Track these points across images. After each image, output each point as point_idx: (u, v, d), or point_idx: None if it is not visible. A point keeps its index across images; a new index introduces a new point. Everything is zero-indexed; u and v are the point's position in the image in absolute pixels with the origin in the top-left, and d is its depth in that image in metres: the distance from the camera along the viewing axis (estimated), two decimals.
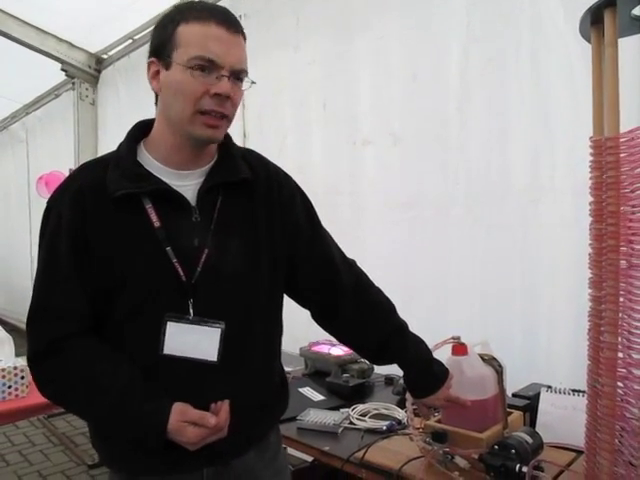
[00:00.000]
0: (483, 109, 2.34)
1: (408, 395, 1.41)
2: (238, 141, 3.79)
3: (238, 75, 1.08)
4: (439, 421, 1.51)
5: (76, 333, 1.09)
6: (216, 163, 1.18)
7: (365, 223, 2.86)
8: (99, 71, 4.96)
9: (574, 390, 1.64)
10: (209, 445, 1.06)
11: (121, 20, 4.22)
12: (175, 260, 1.08)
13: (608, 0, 1.10)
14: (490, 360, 1.47)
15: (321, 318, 1.35)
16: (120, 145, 1.18)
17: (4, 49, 4.61)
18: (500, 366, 1.47)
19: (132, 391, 1.06)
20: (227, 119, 1.11)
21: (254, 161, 1.24)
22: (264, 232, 1.19)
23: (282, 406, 1.32)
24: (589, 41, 1.25)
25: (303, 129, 3.17)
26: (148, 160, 1.14)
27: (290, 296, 1.33)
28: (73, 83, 5.04)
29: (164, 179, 1.12)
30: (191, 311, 1.09)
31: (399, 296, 2.59)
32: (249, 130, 3.48)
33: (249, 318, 1.16)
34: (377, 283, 2.68)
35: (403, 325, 1.36)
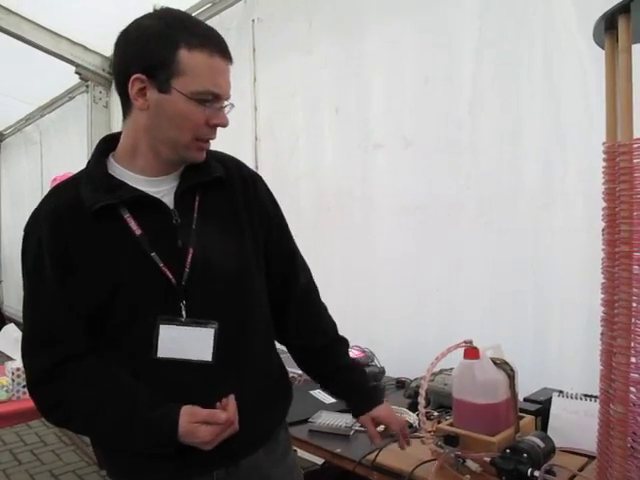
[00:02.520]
0: (495, 113, 2.35)
1: (420, 399, 1.41)
2: (249, 144, 3.82)
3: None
4: (451, 424, 1.51)
5: (73, 355, 1.08)
6: (188, 165, 1.18)
7: (376, 226, 2.86)
8: (112, 74, 4.99)
9: (586, 395, 1.64)
10: (218, 447, 1.07)
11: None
12: (162, 264, 1.09)
13: (622, 6, 1.10)
14: (502, 364, 1.47)
15: (274, 307, 1.32)
16: (88, 162, 1.18)
17: (19, 52, 4.66)
18: (512, 370, 1.47)
19: (138, 402, 1.07)
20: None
21: (225, 160, 1.26)
22: (247, 226, 1.21)
23: (286, 399, 1.32)
24: (602, 47, 1.25)
25: (315, 132, 3.18)
26: (119, 171, 1.15)
27: None
28: (87, 86, 5.08)
29: (139, 187, 1.12)
30: (183, 313, 1.10)
31: (409, 298, 2.64)
32: (260, 133, 3.50)
33: (243, 313, 1.17)
34: (388, 286, 2.71)
35: (345, 339, 1.39)
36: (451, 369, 1.94)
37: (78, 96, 5.45)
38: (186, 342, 1.09)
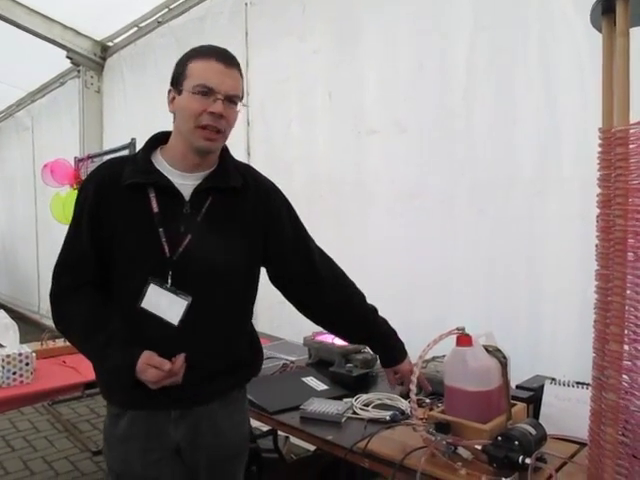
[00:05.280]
0: (490, 99, 2.33)
1: (412, 386, 1.40)
2: (241, 129, 3.80)
3: (232, 99, 1.36)
4: (442, 412, 1.50)
5: (86, 283, 1.40)
6: (213, 171, 1.45)
7: (369, 213, 2.85)
8: (104, 59, 4.94)
9: (578, 382, 1.64)
10: (174, 391, 1.34)
11: (127, 7, 4.20)
12: (164, 239, 1.37)
13: None
14: (494, 351, 1.46)
15: (307, 308, 1.62)
16: (141, 148, 1.49)
17: (9, 36, 4.60)
18: (504, 358, 1.46)
19: (116, 337, 1.35)
20: (222, 134, 1.39)
21: (248, 175, 1.51)
22: (245, 229, 1.45)
23: (251, 370, 1.56)
24: (600, 30, 1.23)
25: (308, 118, 3.16)
26: (159, 161, 1.44)
27: (280, 289, 1.60)
28: (78, 71, 5.03)
29: (168, 177, 1.41)
30: (169, 281, 1.37)
31: (403, 286, 2.64)
32: (252, 118, 3.47)
33: (216, 294, 1.41)
34: (380, 272, 2.69)
35: (374, 307, 1.66)
36: (444, 356, 1.93)
37: (69, 81, 5.40)
38: (164, 304, 1.37)
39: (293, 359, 2.41)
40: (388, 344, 1.66)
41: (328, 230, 3.05)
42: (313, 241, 1.62)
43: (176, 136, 1.42)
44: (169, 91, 1.41)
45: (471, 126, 2.40)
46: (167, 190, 1.39)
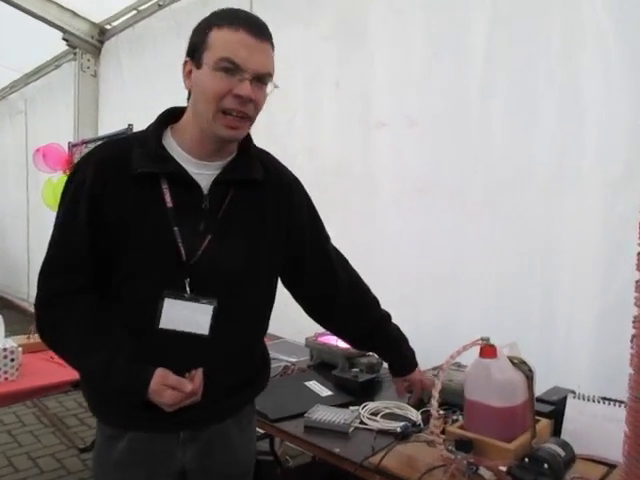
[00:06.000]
0: (508, 93, 2.20)
1: (433, 401, 1.29)
2: None
3: (262, 79, 1.15)
4: (461, 427, 1.39)
5: (82, 288, 1.19)
6: (233, 160, 1.26)
7: (377, 208, 2.72)
8: (102, 42, 4.79)
9: (604, 398, 1.53)
10: (187, 411, 1.17)
11: None
12: (180, 240, 1.17)
13: None
14: (520, 364, 1.35)
15: (318, 310, 1.50)
16: (149, 126, 1.26)
17: (3, 15, 4.45)
18: (530, 370, 1.35)
19: (122, 351, 1.16)
20: (249, 120, 1.19)
21: (269, 164, 1.34)
22: (268, 229, 1.29)
23: (261, 382, 1.42)
24: None
25: (314, 108, 3.02)
26: (172, 145, 1.23)
27: (291, 291, 1.47)
28: (75, 54, 4.88)
29: (183, 165, 1.21)
30: (188, 289, 1.19)
31: (410, 287, 2.51)
32: None
33: (238, 301, 1.25)
34: (387, 271, 2.57)
35: (388, 313, 1.56)
36: (456, 364, 1.83)
37: (65, 64, 5.24)
38: (186, 316, 1.18)
39: (293, 360, 2.29)
40: (400, 353, 1.57)
41: (333, 225, 2.88)
42: (330, 239, 1.49)
43: (192, 117, 1.21)
44: (185, 62, 1.19)
45: (486, 121, 2.27)
46: (183, 181, 1.20)
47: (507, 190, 2.21)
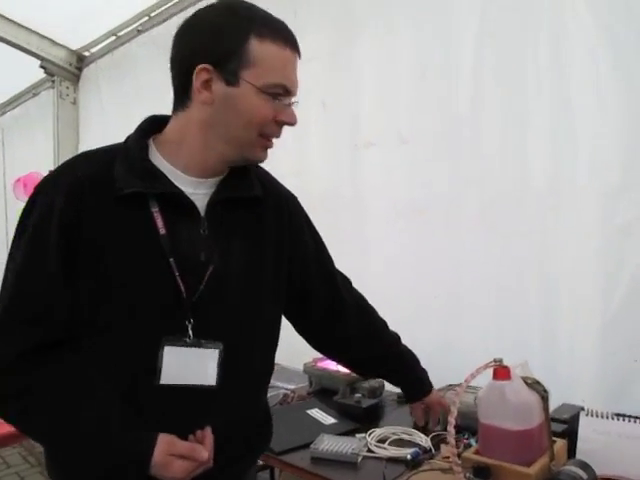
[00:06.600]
0: (498, 108, 2.19)
1: (450, 427, 1.24)
2: None
3: None
4: (476, 452, 1.35)
5: (51, 344, 0.97)
6: (229, 175, 1.11)
7: (369, 230, 2.69)
8: (80, 69, 4.73)
9: (618, 414, 1.49)
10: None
11: (105, 15, 4.01)
12: (178, 274, 1.00)
13: None
14: (534, 384, 1.31)
15: (323, 340, 1.39)
16: (128, 138, 1.09)
17: None
18: (545, 391, 1.31)
19: (113, 418, 0.96)
20: None
21: (266, 180, 1.21)
22: (271, 253, 1.15)
23: (265, 442, 1.27)
24: None
25: (301, 129, 2.97)
26: (159, 160, 1.06)
27: (297, 324, 1.36)
28: (53, 81, 4.80)
29: (176, 183, 1.04)
30: (190, 332, 1.01)
31: (406, 307, 2.47)
32: None
33: (247, 340, 1.11)
34: (382, 294, 2.50)
35: (398, 335, 1.50)
36: (458, 384, 1.78)
37: (43, 92, 5.15)
38: (190, 365, 1.00)
39: (292, 387, 2.23)
40: (415, 375, 1.51)
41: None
42: (333, 261, 1.38)
43: (196, 135, 1.04)
44: (202, 70, 0.99)
45: (478, 137, 2.26)
46: (178, 203, 1.02)
47: (502, 205, 2.19)
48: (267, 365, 1.23)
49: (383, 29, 2.58)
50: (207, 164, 1.07)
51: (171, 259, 1.00)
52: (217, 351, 1.03)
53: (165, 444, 0.95)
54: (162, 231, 1.00)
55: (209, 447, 0.98)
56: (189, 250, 1.03)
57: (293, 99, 1.06)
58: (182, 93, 1.05)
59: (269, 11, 2.97)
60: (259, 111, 1.01)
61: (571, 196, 2.01)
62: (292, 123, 1.06)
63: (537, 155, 2.10)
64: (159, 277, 1.00)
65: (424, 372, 1.53)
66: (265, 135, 1.04)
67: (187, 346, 1.00)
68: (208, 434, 1.00)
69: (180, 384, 1.00)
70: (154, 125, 1.10)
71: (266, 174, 1.25)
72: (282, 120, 1.04)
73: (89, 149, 1.11)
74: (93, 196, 0.98)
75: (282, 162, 3.08)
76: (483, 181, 2.25)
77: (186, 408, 1.01)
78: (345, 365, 1.58)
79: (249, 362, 1.12)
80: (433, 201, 2.41)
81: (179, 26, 1.07)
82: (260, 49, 0.99)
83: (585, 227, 1.97)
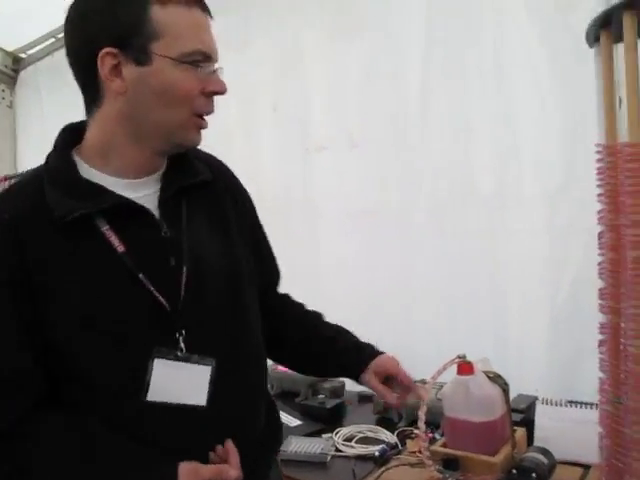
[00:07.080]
0: (445, 111, 2.28)
1: (420, 423, 1.30)
2: None
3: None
4: (444, 445, 1.42)
5: (30, 406, 0.88)
6: (169, 166, 1.03)
7: (320, 232, 2.73)
8: (17, 71, 4.57)
9: (570, 402, 1.60)
10: None
11: (43, 17, 3.89)
12: (153, 288, 0.92)
13: (628, 2, 1.05)
14: (495, 378, 1.39)
15: (274, 335, 1.21)
16: (49, 157, 0.97)
17: None
18: (506, 384, 1.40)
19: (125, 462, 0.88)
20: None
21: (211, 162, 1.12)
22: (237, 236, 1.08)
23: (277, 436, 1.21)
24: (592, 45, 1.20)
25: (251, 133, 3.01)
26: (89, 172, 0.95)
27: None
28: None
29: (119, 192, 0.94)
30: (182, 345, 0.93)
31: (360, 309, 2.52)
32: None
33: (238, 348, 1.03)
34: (334, 296, 2.57)
35: (317, 312, 1.34)
36: (421, 380, 1.85)
37: None
38: (179, 383, 0.92)
39: None
40: (351, 341, 1.27)
41: (275, 252, 2.90)
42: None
43: (118, 132, 0.94)
44: (104, 55, 0.87)
45: (427, 141, 2.34)
46: (126, 214, 0.92)
47: (451, 207, 2.28)
48: (264, 362, 1.15)
49: (330, 35, 2.62)
50: (141, 161, 0.97)
51: (140, 275, 0.91)
52: (209, 367, 0.96)
53: (189, 474, 0.86)
54: (120, 249, 0.91)
55: (235, 463, 0.91)
56: (156, 259, 0.95)
57: (216, 65, 0.96)
58: (90, 89, 0.94)
59: (218, 16, 2.97)
60: (182, 85, 0.90)
61: (516, 197, 2.12)
62: (221, 91, 0.95)
63: (483, 157, 2.20)
64: (135, 298, 0.92)
65: (358, 338, 1.30)
66: (196, 113, 0.94)
67: (178, 360, 0.93)
68: (231, 449, 0.93)
69: (167, 402, 0.93)
70: (73, 135, 0.99)
71: (209, 156, 1.15)
72: (210, 90, 0.94)
73: (12, 184, 1.01)
74: (33, 234, 0.88)
75: (233, 165, 3.08)
76: (432, 183, 2.33)
77: (175, 426, 0.94)
78: (297, 366, 1.41)
79: (243, 367, 1.05)
80: (384, 203, 2.48)
81: (66, 13, 0.93)
82: (164, 15, 0.88)
83: (531, 227, 2.08)
